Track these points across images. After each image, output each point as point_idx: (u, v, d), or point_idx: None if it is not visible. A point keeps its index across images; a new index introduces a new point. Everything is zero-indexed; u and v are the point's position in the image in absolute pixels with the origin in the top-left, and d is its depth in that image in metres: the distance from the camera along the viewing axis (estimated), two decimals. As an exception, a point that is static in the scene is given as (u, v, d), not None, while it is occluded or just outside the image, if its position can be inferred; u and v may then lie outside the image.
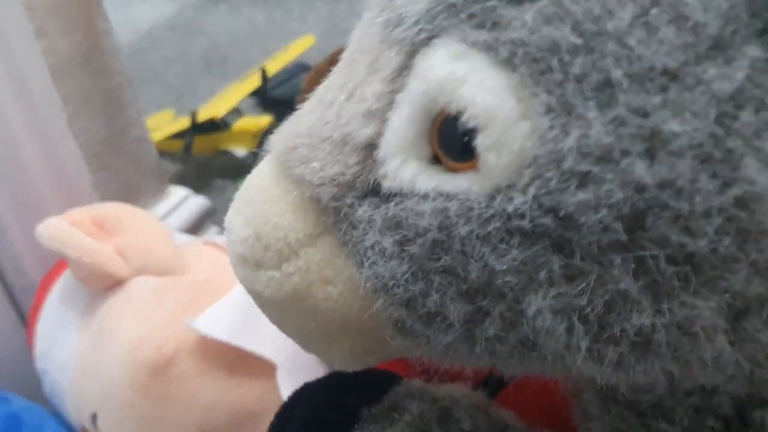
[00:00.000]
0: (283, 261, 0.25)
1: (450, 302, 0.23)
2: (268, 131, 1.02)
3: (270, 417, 0.43)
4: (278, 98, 1.18)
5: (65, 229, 0.44)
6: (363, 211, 0.24)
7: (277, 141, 0.26)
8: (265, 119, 1.02)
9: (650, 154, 0.19)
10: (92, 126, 0.64)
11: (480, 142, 0.21)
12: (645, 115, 0.18)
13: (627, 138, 0.19)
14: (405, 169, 0.23)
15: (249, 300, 0.42)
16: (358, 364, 0.28)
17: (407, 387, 0.33)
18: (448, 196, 0.22)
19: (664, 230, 0.19)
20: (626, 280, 0.20)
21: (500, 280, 0.21)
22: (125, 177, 0.69)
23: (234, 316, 0.41)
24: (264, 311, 0.28)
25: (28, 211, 0.59)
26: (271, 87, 1.16)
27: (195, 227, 0.78)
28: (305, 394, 0.34)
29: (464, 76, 0.21)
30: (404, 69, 0.23)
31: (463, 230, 0.21)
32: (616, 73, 0.19)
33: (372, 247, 0.24)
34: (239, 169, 1.06)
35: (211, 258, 0.47)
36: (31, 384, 0.59)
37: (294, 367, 0.40)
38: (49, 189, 0.60)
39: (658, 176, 0.18)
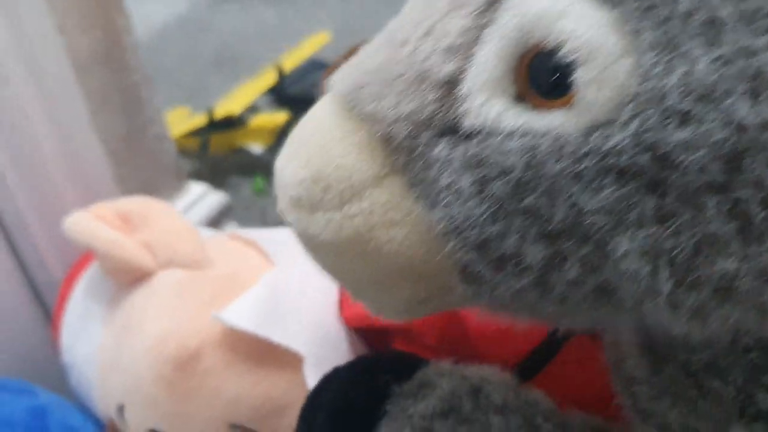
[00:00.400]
0: (344, 203, 0.24)
1: (529, 245, 0.22)
2: (284, 128, 1.03)
3: (295, 410, 0.43)
4: (294, 95, 1.18)
5: (92, 223, 0.44)
6: (439, 149, 0.23)
7: (340, 81, 0.26)
8: (281, 116, 1.02)
9: (754, 95, 0.18)
10: (112, 123, 0.64)
11: (579, 76, 0.20)
12: (750, 55, 0.18)
13: (731, 77, 0.19)
14: (490, 106, 0.22)
15: (275, 292, 0.42)
16: (412, 314, 0.28)
17: (436, 366, 0.33)
18: (538, 134, 0.21)
19: (761, 172, 0.19)
20: (718, 223, 0.20)
21: (588, 221, 0.21)
22: (145, 173, 0.69)
23: (260, 309, 0.41)
24: (316, 256, 0.27)
25: (50, 208, 0.59)
26: (287, 84, 1.16)
27: (213, 222, 0.78)
28: (334, 377, 0.34)
29: (564, 10, 0.20)
30: (493, 4, 0.22)
31: (553, 168, 0.21)
32: (724, 12, 0.19)
33: (447, 187, 0.23)
34: (254, 166, 1.06)
35: (236, 252, 0.47)
36: (54, 378, 0.59)
37: (321, 359, 0.41)
38: (71, 185, 0.60)
39: (760, 117, 0.18)
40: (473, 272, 0.24)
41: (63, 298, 0.53)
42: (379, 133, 0.24)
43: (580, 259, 0.22)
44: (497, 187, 0.22)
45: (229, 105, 1.05)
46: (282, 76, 1.12)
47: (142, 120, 0.68)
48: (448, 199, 0.23)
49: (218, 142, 1.04)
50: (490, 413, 0.31)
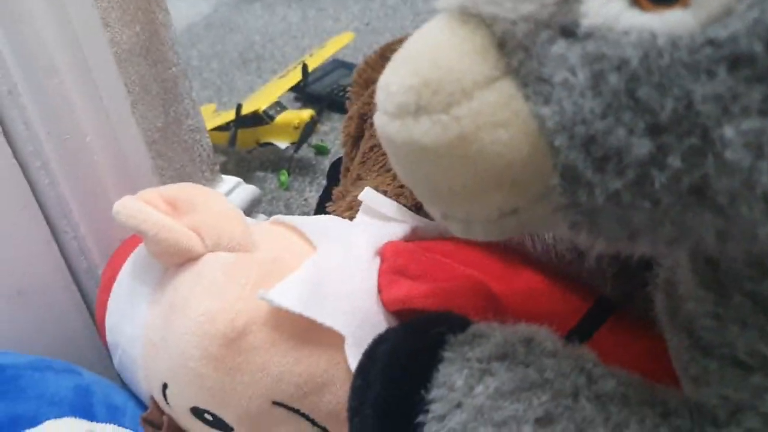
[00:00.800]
0: (453, 104, 0.25)
1: (636, 138, 0.23)
2: (309, 124, 1.04)
3: (335, 388, 0.45)
4: (315, 93, 1.20)
5: (141, 207, 0.46)
6: (556, 47, 0.24)
7: None
8: (307, 112, 1.04)
9: None
10: (151, 114, 0.66)
11: None
12: None
13: None
14: (610, 6, 0.24)
15: (318, 276, 0.44)
16: (500, 229, 0.29)
17: (486, 323, 0.35)
18: (654, 30, 0.23)
19: None
20: None
21: (697, 109, 0.22)
22: (181, 165, 0.71)
23: (304, 290, 0.43)
24: (413, 163, 0.28)
25: (91, 195, 0.61)
26: (310, 82, 1.18)
27: (245, 214, 0.80)
28: (390, 333, 0.36)
29: None
30: None
31: (669, 59, 0.23)
32: None
33: (562, 83, 0.24)
34: (279, 161, 1.08)
35: (279, 237, 0.48)
36: (92, 361, 0.61)
37: (361, 340, 0.42)
38: (112, 174, 0.62)
39: None
40: (574, 172, 0.25)
41: (107, 282, 0.54)
42: (499, 34, 0.25)
43: (684, 152, 0.23)
44: (612, 80, 0.23)
45: (256, 101, 1.07)
46: (306, 74, 1.14)
47: (179, 112, 0.70)
48: (561, 95, 0.24)
49: (245, 137, 1.06)
50: (543, 357, 0.32)
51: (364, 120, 0.70)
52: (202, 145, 0.75)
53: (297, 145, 1.04)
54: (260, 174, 1.07)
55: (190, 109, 0.72)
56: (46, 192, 0.59)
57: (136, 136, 0.64)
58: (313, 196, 1.02)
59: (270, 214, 1.02)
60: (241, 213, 0.49)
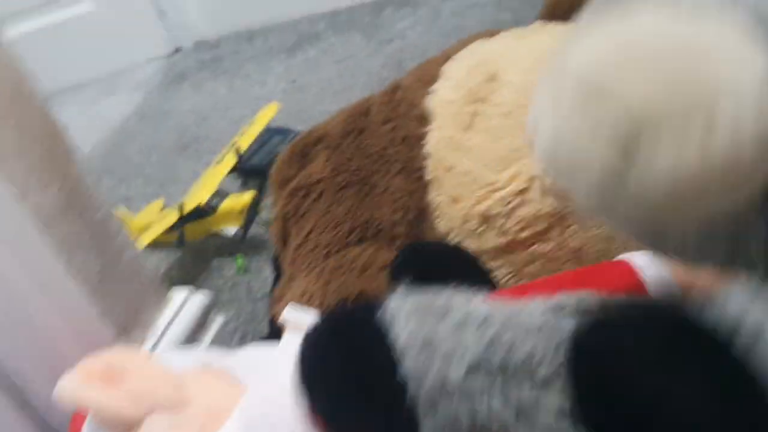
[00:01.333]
0: None
1: None
2: (251, 207, 1.08)
3: None
4: (254, 167, 1.24)
5: (78, 387, 0.50)
6: None
7: None
8: (248, 195, 1.08)
9: None
10: (87, 263, 0.70)
11: None
12: None
13: None
14: None
15: (249, 420, 0.48)
16: None
17: None
18: None
19: None
20: None
21: None
22: (127, 299, 0.75)
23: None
24: None
25: (50, 367, 0.65)
26: (247, 159, 1.22)
27: (200, 322, 0.84)
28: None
29: None
30: None
31: None
32: None
33: None
34: (232, 248, 1.12)
35: (210, 384, 0.53)
36: None
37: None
38: (64, 337, 0.66)
39: None
40: None
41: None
42: None
43: None
44: None
45: (197, 196, 1.11)
46: (240, 157, 1.18)
47: (115, 250, 0.74)
48: None
49: (193, 230, 1.10)
50: None
51: (288, 220, 0.74)
52: (144, 272, 0.79)
53: (244, 229, 1.08)
54: (217, 262, 1.11)
55: (124, 242, 0.76)
56: (6, 363, 0.63)
57: (77, 291, 0.68)
58: (272, 273, 1.06)
59: (233, 299, 1.06)
60: (173, 371, 0.53)
